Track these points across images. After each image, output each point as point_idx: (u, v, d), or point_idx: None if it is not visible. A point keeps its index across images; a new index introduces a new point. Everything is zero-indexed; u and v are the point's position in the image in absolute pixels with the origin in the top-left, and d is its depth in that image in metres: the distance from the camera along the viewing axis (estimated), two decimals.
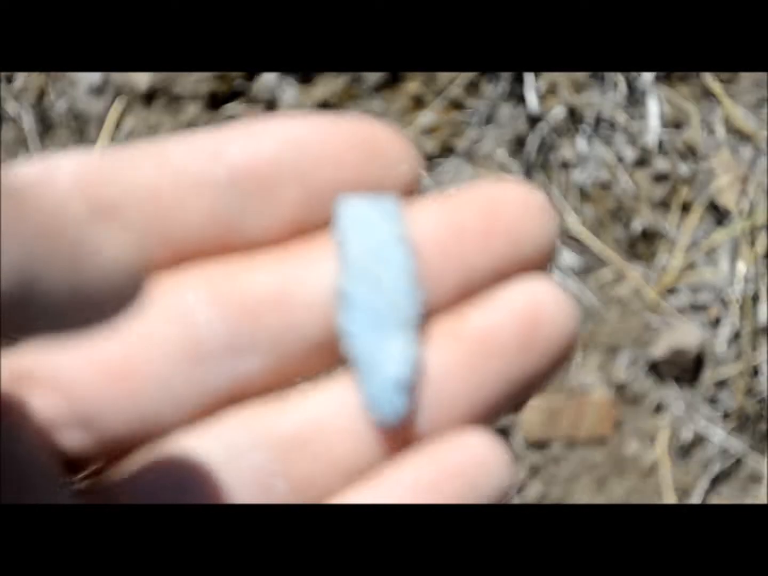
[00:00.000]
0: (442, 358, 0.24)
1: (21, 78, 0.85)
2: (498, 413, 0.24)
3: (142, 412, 0.23)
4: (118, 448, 0.23)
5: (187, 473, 0.23)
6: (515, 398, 0.24)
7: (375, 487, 0.23)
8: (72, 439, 0.23)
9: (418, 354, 0.24)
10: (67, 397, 0.23)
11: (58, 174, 0.23)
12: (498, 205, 0.25)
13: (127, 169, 0.24)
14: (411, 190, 0.25)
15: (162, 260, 0.24)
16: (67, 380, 0.23)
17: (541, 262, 0.25)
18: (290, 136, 0.24)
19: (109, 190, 0.23)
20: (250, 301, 0.24)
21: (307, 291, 0.24)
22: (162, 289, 0.24)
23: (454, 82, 0.87)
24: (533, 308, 0.24)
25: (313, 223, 0.25)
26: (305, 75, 0.82)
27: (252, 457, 0.23)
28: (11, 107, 0.86)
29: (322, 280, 0.24)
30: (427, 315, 0.24)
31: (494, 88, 0.89)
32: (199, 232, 0.24)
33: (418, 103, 0.89)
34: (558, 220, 0.25)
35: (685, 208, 0.90)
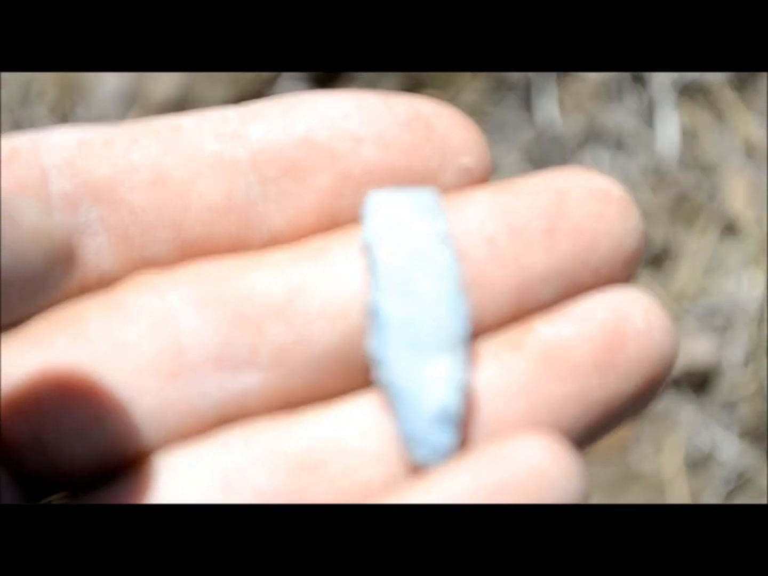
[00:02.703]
0: (500, 377, 0.19)
1: (37, 83, 0.86)
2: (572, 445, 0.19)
3: (108, 430, 0.19)
4: (82, 472, 0.19)
5: (172, 498, 0.19)
6: (593, 428, 0.19)
7: (401, 500, 0.18)
8: (30, 458, 0.19)
9: (467, 380, 0.19)
10: (20, 413, 0.19)
11: (44, 147, 0.20)
12: (566, 197, 0.20)
13: (128, 146, 0.20)
14: (475, 184, 0.21)
15: (166, 253, 0.20)
16: (16, 390, 0.19)
17: (622, 270, 0.20)
18: (325, 114, 0.20)
19: (102, 168, 0.20)
20: (251, 307, 0.19)
21: (322, 297, 0.20)
22: (142, 287, 0.20)
23: (469, 87, 0.87)
24: (617, 321, 0.19)
25: (346, 215, 0.21)
26: (322, 79, 0.82)
27: (252, 476, 0.19)
28: (28, 114, 0.87)
29: (341, 283, 0.20)
30: (478, 332, 0.20)
31: (511, 96, 0.89)
32: (211, 221, 0.20)
33: None
34: (640, 217, 0.20)
35: (701, 221, 0.89)
